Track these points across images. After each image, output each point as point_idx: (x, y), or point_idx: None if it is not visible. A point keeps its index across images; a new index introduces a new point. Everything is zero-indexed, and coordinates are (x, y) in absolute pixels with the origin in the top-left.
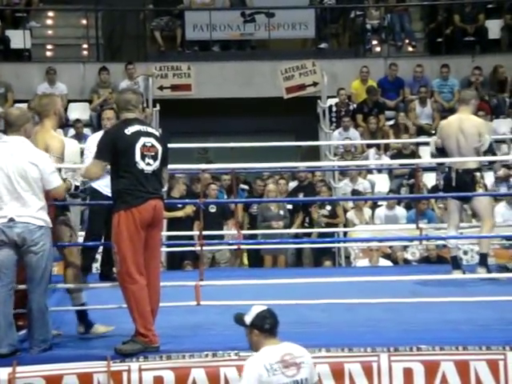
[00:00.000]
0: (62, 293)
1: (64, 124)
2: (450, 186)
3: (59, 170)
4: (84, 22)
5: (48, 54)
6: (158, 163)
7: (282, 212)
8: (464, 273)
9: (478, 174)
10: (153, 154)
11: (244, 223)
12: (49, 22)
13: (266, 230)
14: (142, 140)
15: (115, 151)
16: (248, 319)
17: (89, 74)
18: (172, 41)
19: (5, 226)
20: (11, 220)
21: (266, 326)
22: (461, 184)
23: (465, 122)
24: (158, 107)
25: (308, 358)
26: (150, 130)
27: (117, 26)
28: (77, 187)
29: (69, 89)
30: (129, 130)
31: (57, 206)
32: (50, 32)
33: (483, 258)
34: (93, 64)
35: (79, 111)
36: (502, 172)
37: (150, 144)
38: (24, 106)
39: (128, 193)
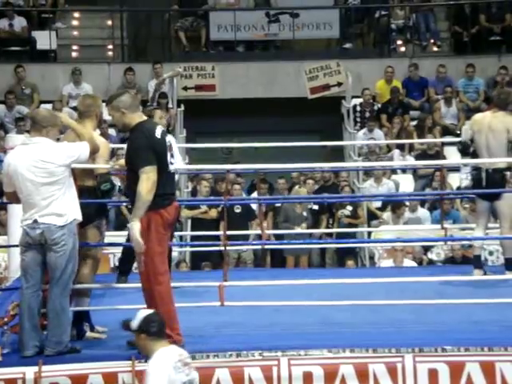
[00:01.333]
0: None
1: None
2: (481, 187)
3: (109, 173)
4: (109, 22)
5: (73, 54)
6: (175, 161)
7: (305, 213)
8: (485, 273)
9: (508, 173)
10: (172, 152)
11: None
12: (74, 22)
13: (288, 230)
14: (166, 141)
15: (155, 155)
16: (134, 324)
17: (114, 75)
18: (196, 41)
19: (29, 228)
20: (35, 221)
21: (153, 328)
22: (491, 184)
23: (494, 120)
24: (182, 107)
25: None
26: (163, 128)
27: (142, 27)
28: (120, 188)
29: (94, 89)
30: (158, 134)
31: (95, 209)
32: (75, 33)
33: (510, 263)
34: (118, 64)
35: (104, 112)
36: None
37: (169, 143)
38: (49, 106)
39: (159, 195)
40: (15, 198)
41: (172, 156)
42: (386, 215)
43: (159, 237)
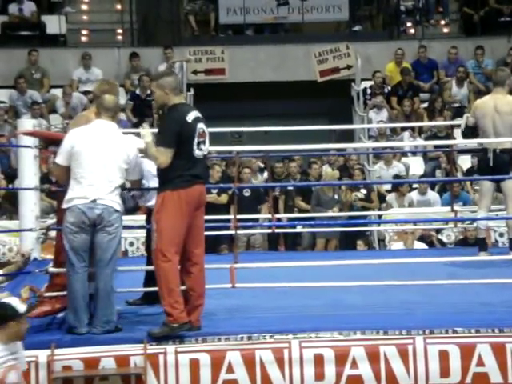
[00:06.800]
0: None
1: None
2: (487, 167)
3: None
4: (118, 6)
5: (83, 39)
6: (207, 147)
7: (336, 196)
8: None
9: None
10: (204, 139)
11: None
12: (84, 7)
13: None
14: (198, 127)
15: (180, 139)
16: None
17: (123, 59)
18: (206, 25)
19: (86, 207)
20: (93, 201)
21: None
22: (498, 164)
23: (500, 101)
24: (192, 91)
25: None
26: (199, 114)
27: (151, 11)
28: None
29: (104, 74)
30: (189, 118)
31: None
32: (85, 17)
33: None
34: (127, 49)
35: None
36: None
37: (202, 130)
38: (59, 91)
39: (178, 176)
40: (62, 173)
41: (203, 143)
42: (390, 197)
43: (172, 215)
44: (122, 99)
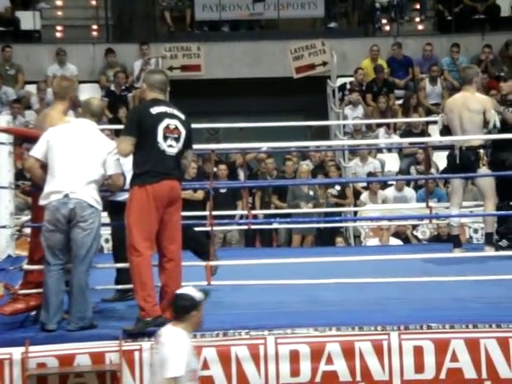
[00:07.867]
0: None
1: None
2: (455, 164)
3: None
4: (93, 2)
5: (58, 35)
6: (180, 146)
7: (311, 192)
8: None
9: (481, 151)
10: (176, 136)
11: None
12: (58, 2)
13: (280, 210)
14: (166, 121)
15: (140, 129)
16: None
17: (98, 55)
18: (181, 21)
19: (60, 203)
20: (66, 196)
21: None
22: (465, 161)
23: (469, 100)
24: (168, 88)
25: None
26: (175, 112)
27: (126, 7)
28: None
29: (79, 70)
30: (154, 110)
31: None
32: (59, 13)
33: (489, 237)
34: (102, 45)
35: (89, 92)
36: None
37: (173, 126)
38: (34, 87)
39: (145, 171)
40: (34, 166)
41: (175, 140)
42: (363, 196)
43: (140, 210)
44: (97, 95)
